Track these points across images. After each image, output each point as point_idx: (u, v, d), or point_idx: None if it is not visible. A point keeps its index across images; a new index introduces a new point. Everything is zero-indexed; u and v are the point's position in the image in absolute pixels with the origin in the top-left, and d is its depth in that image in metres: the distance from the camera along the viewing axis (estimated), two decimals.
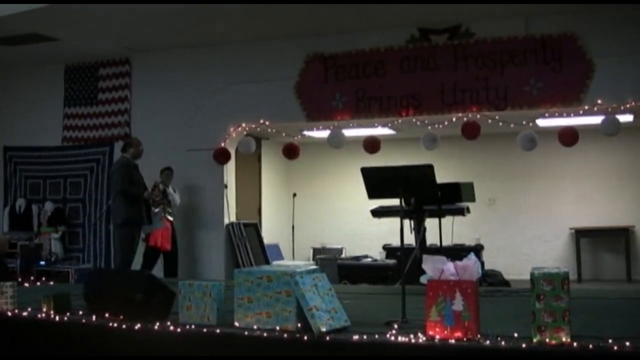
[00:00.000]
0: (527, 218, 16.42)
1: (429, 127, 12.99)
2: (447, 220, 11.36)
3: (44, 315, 7.22)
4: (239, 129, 13.98)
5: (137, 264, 12.44)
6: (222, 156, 13.77)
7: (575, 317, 5.32)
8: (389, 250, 14.30)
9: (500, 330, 5.56)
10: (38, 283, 10.81)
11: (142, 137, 14.13)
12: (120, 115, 14.99)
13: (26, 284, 10.21)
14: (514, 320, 6.17)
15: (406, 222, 9.98)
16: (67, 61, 15.46)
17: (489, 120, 12.49)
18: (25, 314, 7.36)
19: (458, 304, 5.40)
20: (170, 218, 13.42)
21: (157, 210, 13.19)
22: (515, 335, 5.38)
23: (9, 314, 7.44)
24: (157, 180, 13.26)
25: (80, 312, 7.15)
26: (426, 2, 11.36)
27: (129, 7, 11.75)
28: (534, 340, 5.17)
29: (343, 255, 16.14)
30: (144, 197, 12.33)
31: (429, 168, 6.92)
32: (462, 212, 12.25)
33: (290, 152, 14.26)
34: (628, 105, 11.76)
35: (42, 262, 14.07)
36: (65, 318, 7.08)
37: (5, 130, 16.09)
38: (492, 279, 12.45)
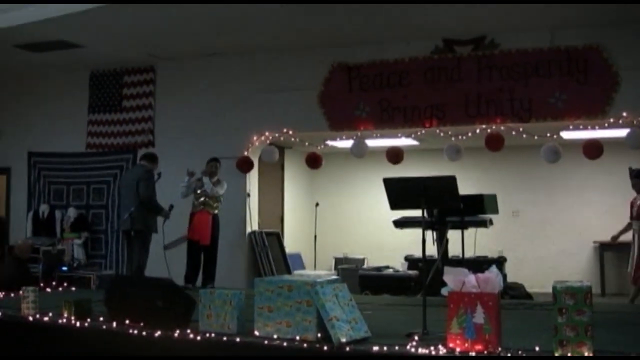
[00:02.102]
0: (550, 231, 16.32)
1: (453, 138, 12.95)
2: (470, 232, 11.31)
3: (64, 320, 7.24)
4: (263, 137, 13.99)
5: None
6: (245, 165, 13.77)
7: (597, 332, 5.28)
8: (411, 261, 14.28)
9: (521, 343, 5.53)
10: (60, 288, 10.84)
11: (165, 144, 14.27)
12: (144, 123, 15.02)
13: (48, 289, 10.25)
14: (535, 334, 6.13)
15: (429, 233, 9.98)
16: (92, 68, 15.53)
17: (513, 132, 12.44)
18: (46, 318, 7.40)
19: (479, 317, 5.37)
20: (213, 211, 12.88)
21: (197, 202, 12.76)
22: (537, 349, 5.35)
23: (30, 318, 7.48)
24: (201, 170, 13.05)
25: (101, 318, 7.18)
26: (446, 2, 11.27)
27: (154, 15, 11.80)
28: (556, 354, 5.14)
29: (365, 266, 16.11)
30: (163, 215, 12.30)
31: (452, 179, 6.89)
32: (484, 224, 12.22)
33: (313, 161, 14.23)
34: None
35: (64, 268, 14.08)
36: (86, 324, 7.11)
37: (30, 135, 16.18)
38: (514, 292, 12.40)
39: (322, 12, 11.54)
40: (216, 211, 12.92)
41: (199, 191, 12.82)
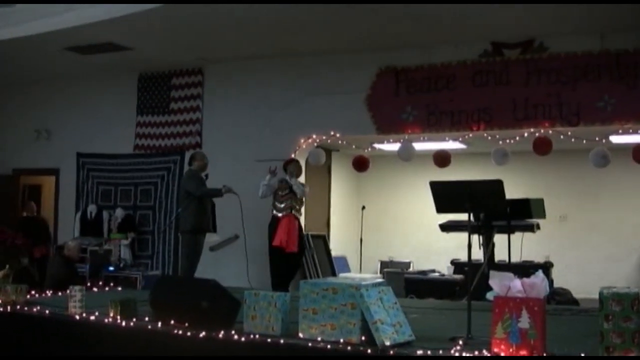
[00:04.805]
0: (598, 236, 16.13)
1: (500, 142, 12.86)
2: (516, 237, 11.23)
3: (110, 319, 7.30)
4: (310, 140, 14.00)
5: (200, 271, 12.30)
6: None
7: None
8: (457, 265, 14.21)
9: (567, 349, 5.47)
10: (106, 288, 10.93)
11: (212, 146, 14.27)
12: (192, 125, 15.10)
13: (94, 289, 10.33)
14: (581, 340, 6.08)
15: (475, 237, 9.93)
16: (140, 70, 15.65)
17: (561, 136, 12.33)
18: (92, 318, 7.47)
19: (524, 322, 5.33)
20: (299, 215, 12.76)
21: (282, 205, 12.56)
22: (582, 355, 5.29)
23: (77, 317, 7.55)
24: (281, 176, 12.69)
25: (146, 318, 7.23)
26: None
27: (204, 18, 11.87)
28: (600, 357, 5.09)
29: (411, 269, 16.07)
30: (222, 194, 12.03)
31: (498, 183, 6.84)
32: (531, 228, 12.13)
33: (360, 164, 14.22)
34: None
35: (111, 268, 14.22)
36: (131, 323, 7.16)
37: (79, 137, 16.35)
38: (561, 297, 12.28)
39: (370, 15, 11.54)
40: (300, 215, 12.78)
41: (281, 193, 12.55)
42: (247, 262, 12.17)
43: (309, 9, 11.23)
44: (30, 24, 12.62)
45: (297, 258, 12.80)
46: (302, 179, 13.84)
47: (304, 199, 13.00)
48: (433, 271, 14.33)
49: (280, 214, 12.52)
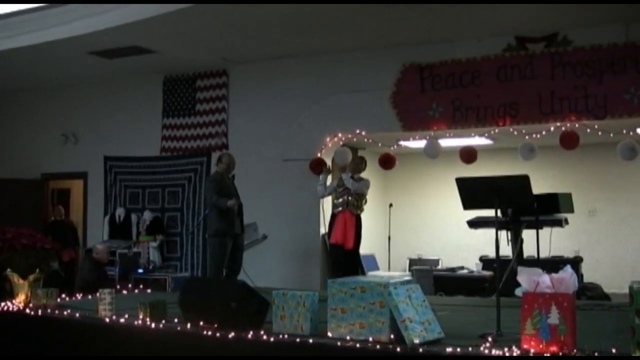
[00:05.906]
0: (629, 229, 16.01)
1: (527, 137, 12.81)
2: (545, 232, 11.17)
3: (140, 322, 7.33)
4: (335, 139, 13.99)
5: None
6: (318, 166, 13.76)
7: None
8: (485, 261, 14.17)
9: (597, 345, 5.44)
10: (135, 290, 10.98)
11: (239, 147, 14.30)
12: (218, 126, 15.13)
13: (124, 291, 10.37)
14: (612, 336, 6.03)
15: (503, 233, 9.88)
16: (165, 72, 15.71)
17: (588, 130, 12.25)
18: (122, 320, 7.49)
19: (554, 318, 5.30)
20: (357, 211, 12.77)
21: (338, 201, 12.67)
22: (614, 351, 5.25)
23: (107, 319, 7.59)
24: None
25: (176, 320, 7.25)
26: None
27: (227, 20, 11.90)
28: (634, 357, 5.04)
29: (439, 267, 16.03)
30: (229, 207, 12.07)
31: (525, 178, 6.81)
32: (560, 223, 12.06)
33: (387, 162, 14.20)
34: None
35: (140, 270, 14.28)
36: (161, 325, 7.18)
37: (106, 140, 16.44)
38: (591, 292, 12.20)
39: (392, 12, 11.53)
40: (359, 211, 12.81)
41: (339, 190, 12.63)
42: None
43: (331, 7, 11.23)
44: (55, 29, 12.69)
45: (353, 255, 12.77)
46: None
47: (364, 195, 12.99)
48: (462, 268, 14.29)
49: (336, 211, 12.63)
